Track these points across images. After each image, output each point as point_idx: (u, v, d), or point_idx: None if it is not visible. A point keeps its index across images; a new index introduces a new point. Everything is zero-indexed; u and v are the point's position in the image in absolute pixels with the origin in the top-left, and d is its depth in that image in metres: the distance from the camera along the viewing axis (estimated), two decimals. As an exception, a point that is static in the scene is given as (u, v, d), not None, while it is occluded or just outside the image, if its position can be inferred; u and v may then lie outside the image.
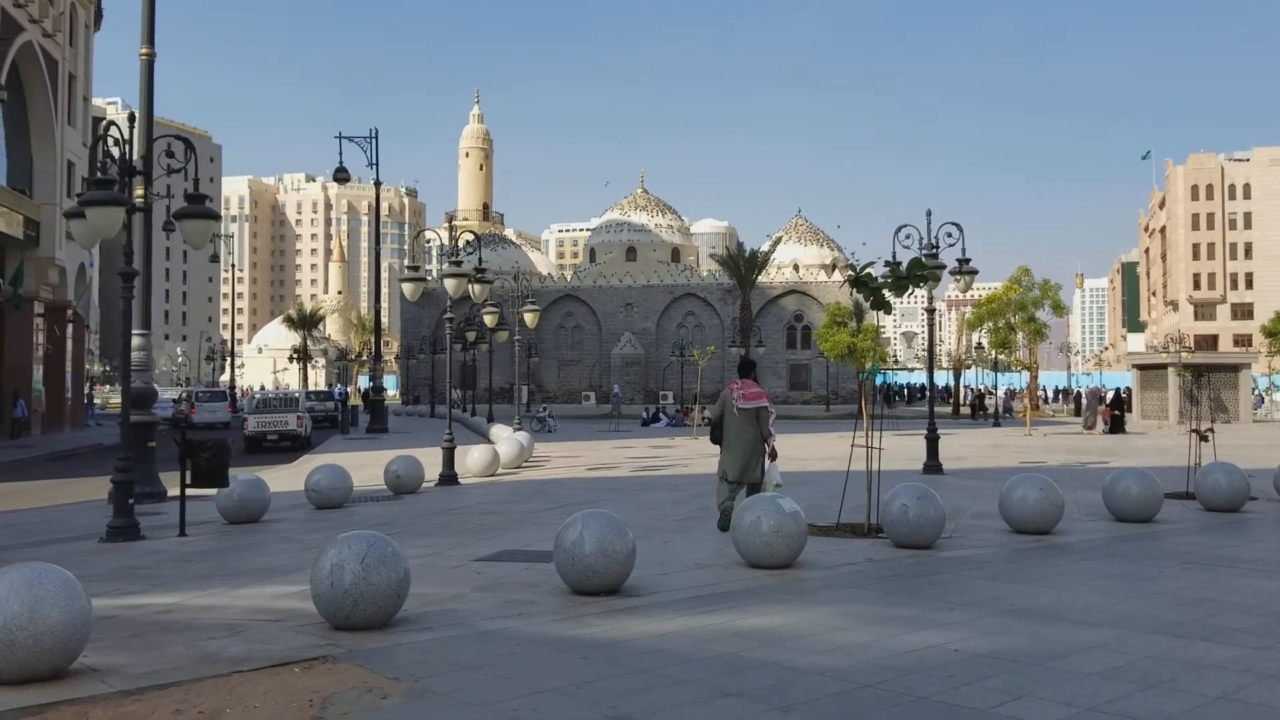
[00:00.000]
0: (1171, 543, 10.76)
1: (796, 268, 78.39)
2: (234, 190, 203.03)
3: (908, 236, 18.02)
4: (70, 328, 45.53)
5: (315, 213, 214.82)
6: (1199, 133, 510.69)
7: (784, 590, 8.17)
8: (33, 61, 38.93)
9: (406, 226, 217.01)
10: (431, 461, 19.67)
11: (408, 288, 18.32)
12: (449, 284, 17.85)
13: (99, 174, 10.95)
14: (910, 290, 11.56)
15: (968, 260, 19.59)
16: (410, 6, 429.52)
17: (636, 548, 8.19)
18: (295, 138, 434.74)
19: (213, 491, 13.02)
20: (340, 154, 40.90)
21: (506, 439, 22.53)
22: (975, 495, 15.47)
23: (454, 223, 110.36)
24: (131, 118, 16.51)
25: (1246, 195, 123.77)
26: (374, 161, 39.78)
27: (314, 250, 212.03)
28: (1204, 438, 15.07)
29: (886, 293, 11.48)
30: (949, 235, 19.06)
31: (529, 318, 28.09)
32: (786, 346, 78.05)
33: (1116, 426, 36.49)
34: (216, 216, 11.57)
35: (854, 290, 11.24)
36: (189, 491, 12.11)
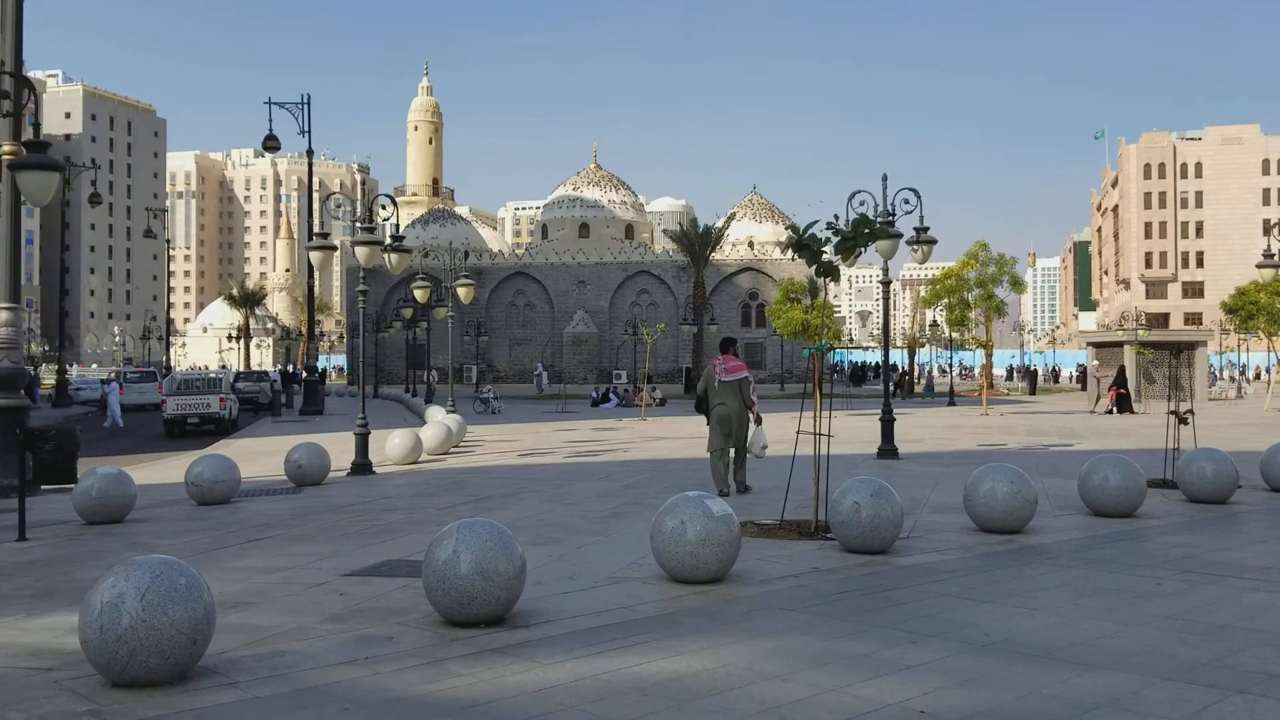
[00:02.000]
0: (1162, 544, 9.39)
1: (752, 245, 76.98)
2: (180, 166, 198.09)
3: (862, 203, 16.51)
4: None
5: (264, 189, 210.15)
6: (1152, 112, 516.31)
7: (709, 615, 6.65)
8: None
9: (358, 204, 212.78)
10: (351, 448, 18.01)
11: (315, 256, 16.60)
12: (360, 252, 16.15)
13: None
14: (859, 253, 10.07)
15: (926, 228, 18.18)
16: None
17: (532, 560, 6.62)
18: (245, 114, 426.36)
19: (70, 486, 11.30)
20: (270, 121, 38.48)
21: (432, 423, 20.86)
22: (934, 484, 14.08)
23: (399, 199, 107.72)
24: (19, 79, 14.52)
25: (1199, 174, 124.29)
26: (305, 129, 37.75)
27: (263, 228, 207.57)
28: (1183, 420, 13.77)
29: (834, 258, 10.01)
30: (906, 202, 17.62)
31: (463, 293, 26.39)
32: (741, 325, 76.65)
33: (1124, 406, 34.02)
34: (59, 167, 9.81)
35: (794, 254, 9.73)
36: (50, 486, 10.38)
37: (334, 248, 16.65)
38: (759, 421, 12.88)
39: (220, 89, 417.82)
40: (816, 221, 9.75)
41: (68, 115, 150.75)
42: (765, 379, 71.93)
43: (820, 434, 9.96)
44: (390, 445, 18.41)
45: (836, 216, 10.27)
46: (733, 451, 12.84)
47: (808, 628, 6.34)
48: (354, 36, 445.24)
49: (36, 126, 10.58)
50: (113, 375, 52.29)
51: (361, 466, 16.56)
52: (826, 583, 7.64)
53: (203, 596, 5.22)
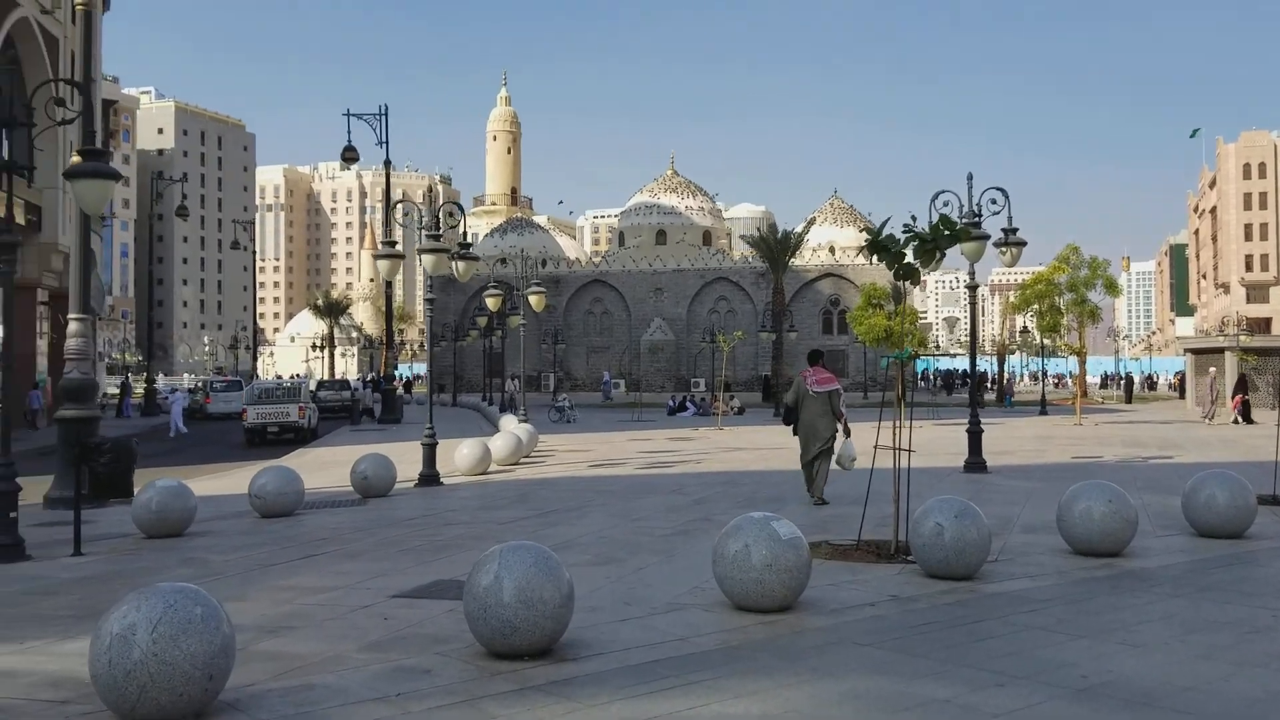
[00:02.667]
0: (1277, 570, 8.56)
1: (832, 250, 75.82)
2: (269, 179, 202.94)
3: (946, 204, 15.74)
4: (78, 316, 44.22)
5: (350, 200, 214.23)
6: (1251, 110, 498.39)
7: (774, 650, 6.10)
8: (30, 40, 37.45)
9: (439, 213, 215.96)
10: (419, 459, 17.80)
11: (383, 265, 16.36)
12: (426, 260, 15.88)
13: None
14: (940, 256, 9.41)
15: (1014, 230, 17.31)
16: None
17: (588, 583, 6.15)
18: (331, 128, 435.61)
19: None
20: (349, 132, 38.84)
21: (502, 434, 20.56)
22: (1025, 500, 13.28)
23: (478, 209, 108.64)
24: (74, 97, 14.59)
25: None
26: (383, 140, 37.99)
27: (349, 238, 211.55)
28: (1297, 433, 12.77)
29: (913, 259, 9.36)
30: (993, 202, 16.78)
31: (534, 300, 26.11)
32: (822, 331, 75.54)
33: (1247, 415, 32.46)
34: (115, 176, 9.64)
35: (872, 257, 9.12)
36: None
37: (401, 256, 16.42)
38: (848, 434, 12.91)
39: (307, 104, 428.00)
40: (888, 219, 9.12)
41: (160, 131, 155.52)
42: (848, 387, 70.60)
43: (900, 448, 9.32)
44: (459, 456, 18.13)
45: (914, 217, 9.62)
46: (815, 457, 13.06)
47: (883, 666, 5.75)
48: (435, 48, 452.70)
49: (93, 134, 10.46)
50: (201, 385, 53.31)
51: (428, 478, 16.29)
52: (906, 613, 7.02)
53: (220, 628, 4.84)
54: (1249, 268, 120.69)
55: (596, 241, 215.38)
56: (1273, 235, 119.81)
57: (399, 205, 17.72)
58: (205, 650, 4.71)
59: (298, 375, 59.26)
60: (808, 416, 12.94)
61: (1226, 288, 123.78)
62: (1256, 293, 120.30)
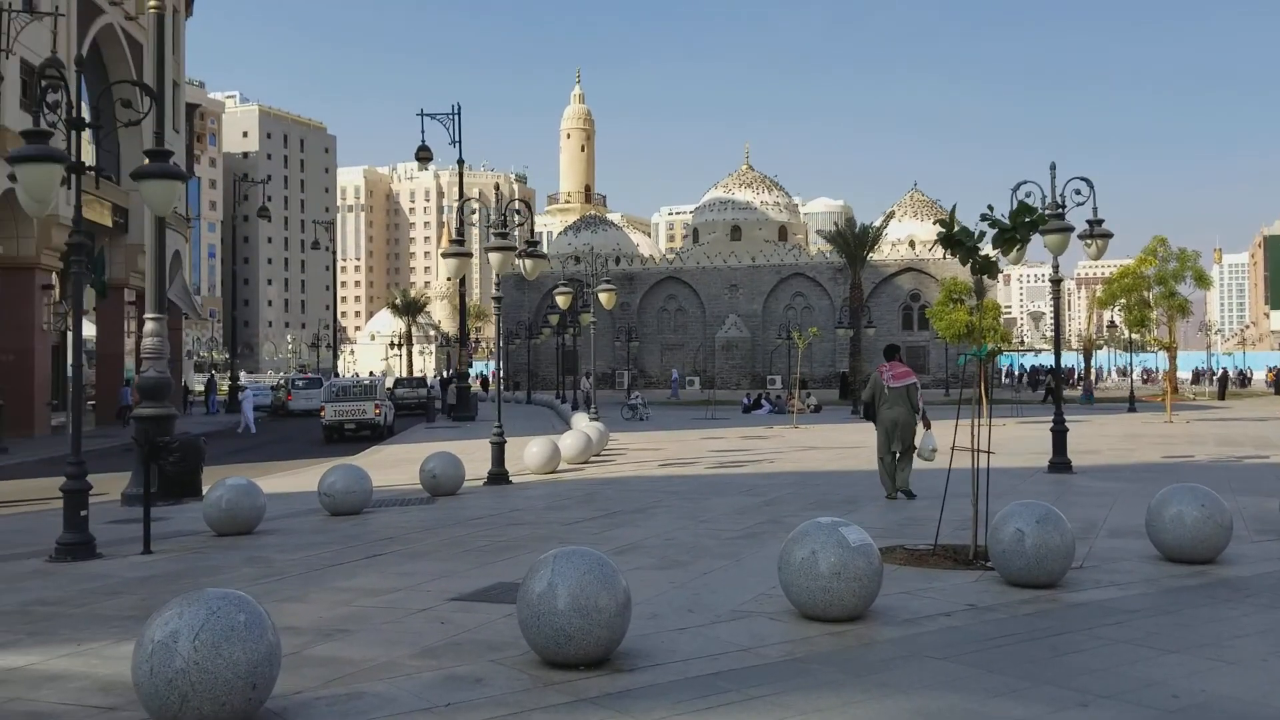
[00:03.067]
0: (1390, 581, 7.99)
1: (912, 244, 74.52)
2: (349, 180, 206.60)
3: (1028, 195, 15.20)
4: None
5: (428, 200, 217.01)
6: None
7: (841, 663, 5.80)
8: (115, 44, 38.48)
9: (516, 213, 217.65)
10: (505, 454, 17.75)
11: (450, 264, 16.30)
12: (493, 258, 15.81)
13: (36, 125, 9.13)
14: (1021, 247, 9.00)
15: (1100, 221, 16.64)
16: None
17: (650, 587, 5.93)
18: (410, 129, 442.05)
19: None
20: (422, 132, 39.29)
21: (572, 432, 20.45)
22: (1112, 502, 12.72)
23: (552, 207, 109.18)
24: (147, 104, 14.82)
25: None
26: (456, 139, 38.22)
27: (427, 238, 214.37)
28: None
29: (991, 252, 8.96)
30: (1077, 193, 16.15)
31: (605, 298, 25.95)
32: (902, 328, 74.30)
33: None
34: (180, 176, 9.69)
35: (945, 250, 8.75)
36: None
37: (468, 254, 16.37)
38: (928, 426, 12.81)
39: (386, 105, 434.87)
40: (955, 205, 8.74)
41: (245, 134, 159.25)
42: (929, 384, 69.36)
43: (979, 449, 8.93)
44: (528, 454, 18.05)
45: (991, 207, 9.22)
46: (898, 455, 13.15)
47: (957, 683, 5.42)
48: (510, 47, 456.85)
49: (159, 135, 10.53)
50: (282, 381, 54.34)
51: (497, 476, 16.22)
52: (983, 624, 6.66)
53: (265, 636, 4.71)
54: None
55: (671, 239, 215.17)
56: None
57: (466, 203, 17.70)
58: (249, 658, 4.58)
59: (374, 373, 60.15)
60: (886, 411, 13.11)
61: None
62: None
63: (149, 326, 14.88)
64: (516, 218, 16.63)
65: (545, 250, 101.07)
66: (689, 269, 78.47)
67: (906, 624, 6.65)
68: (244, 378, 74.32)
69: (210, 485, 11.97)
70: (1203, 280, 36.34)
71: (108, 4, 36.78)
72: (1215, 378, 63.48)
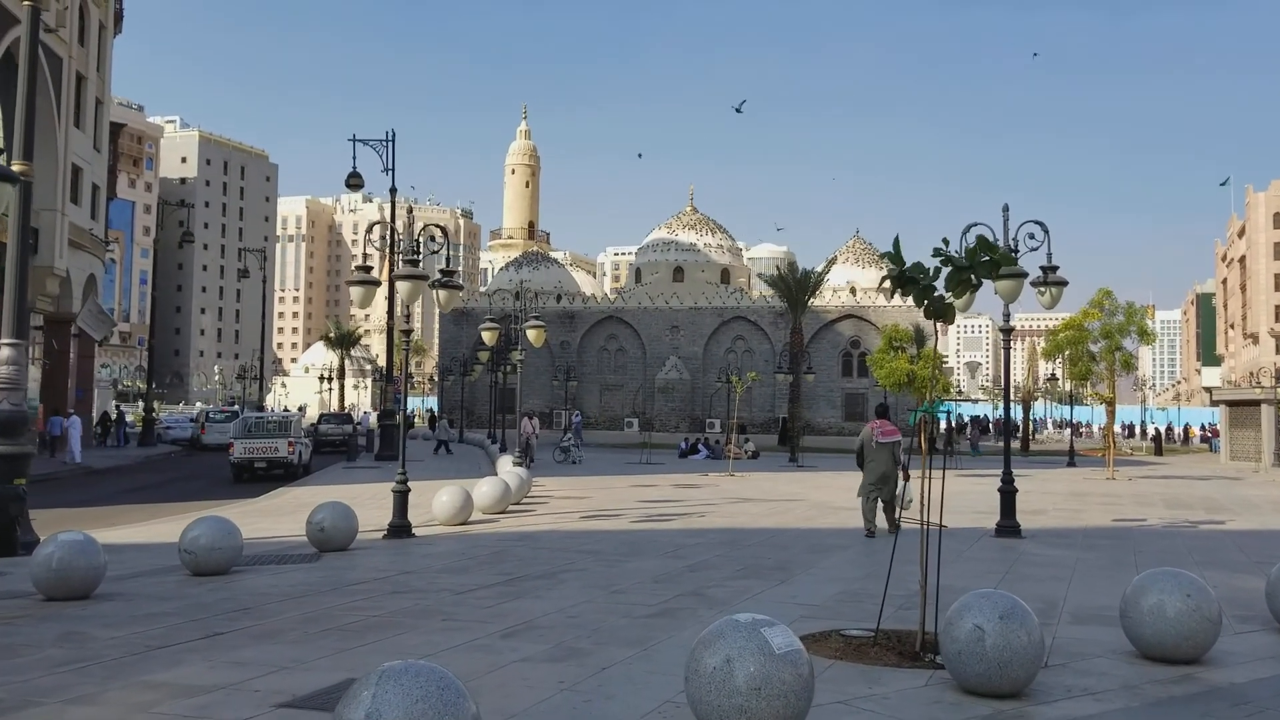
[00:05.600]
0: (1407, 692, 6.80)
1: (854, 290, 74.13)
2: (291, 210, 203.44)
3: (978, 239, 14.15)
4: (75, 342, 43.00)
5: (371, 233, 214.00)
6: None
7: (757, 822, 4.42)
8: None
9: (461, 248, 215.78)
10: (415, 502, 16.26)
11: (356, 293, 14.90)
12: (402, 288, 14.41)
13: None
14: (975, 288, 7.84)
15: (1055, 268, 15.65)
16: (468, 34, 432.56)
17: (534, 689, 4.50)
18: (356, 159, 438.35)
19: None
20: (354, 158, 37.66)
21: (487, 480, 18.93)
22: (1069, 576, 11.54)
23: (495, 242, 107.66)
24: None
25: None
26: (390, 166, 36.83)
27: (372, 269, 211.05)
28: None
29: (945, 294, 7.77)
30: (1031, 237, 15.07)
31: (533, 335, 24.51)
32: (842, 374, 73.74)
33: None
34: (10, 178, 8.14)
35: (895, 290, 7.55)
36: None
37: (376, 283, 14.92)
38: (907, 478, 13.25)
39: (332, 138, 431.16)
40: (897, 237, 7.57)
41: (184, 160, 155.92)
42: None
43: (930, 523, 7.68)
44: (437, 503, 16.52)
45: (946, 241, 8.05)
46: (881, 501, 14.94)
47: None
48: (459, 85, 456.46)
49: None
50: (200, 415, 51.95)
51: (399, 529, 14.67)
52: (937, 754, 5.32)
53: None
54: (1279, 318, 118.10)
55: (617, 278, 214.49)
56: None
57: (375, 227, 16.28)
58: None
59: (289, 409, 57.89)
60: (872, 463, 14.83)
61: (1255, 338, 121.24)
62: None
63: (4, 354, 13.20)
64: (432, 244, 15.22)
65: (486, 286, 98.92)
66: (631, 309, 77.33)
67: (843, 754, 5.29)
68: (184, 410, 71.36)
69: (44, 539, 10.32)
70: (1146, 336, 35.85)
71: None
72: (1150, 434, 63.60)
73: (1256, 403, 43.29)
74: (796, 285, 55.93)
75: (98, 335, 43.37)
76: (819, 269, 60.13)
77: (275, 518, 18.14)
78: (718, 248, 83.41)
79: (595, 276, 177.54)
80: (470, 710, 4.32)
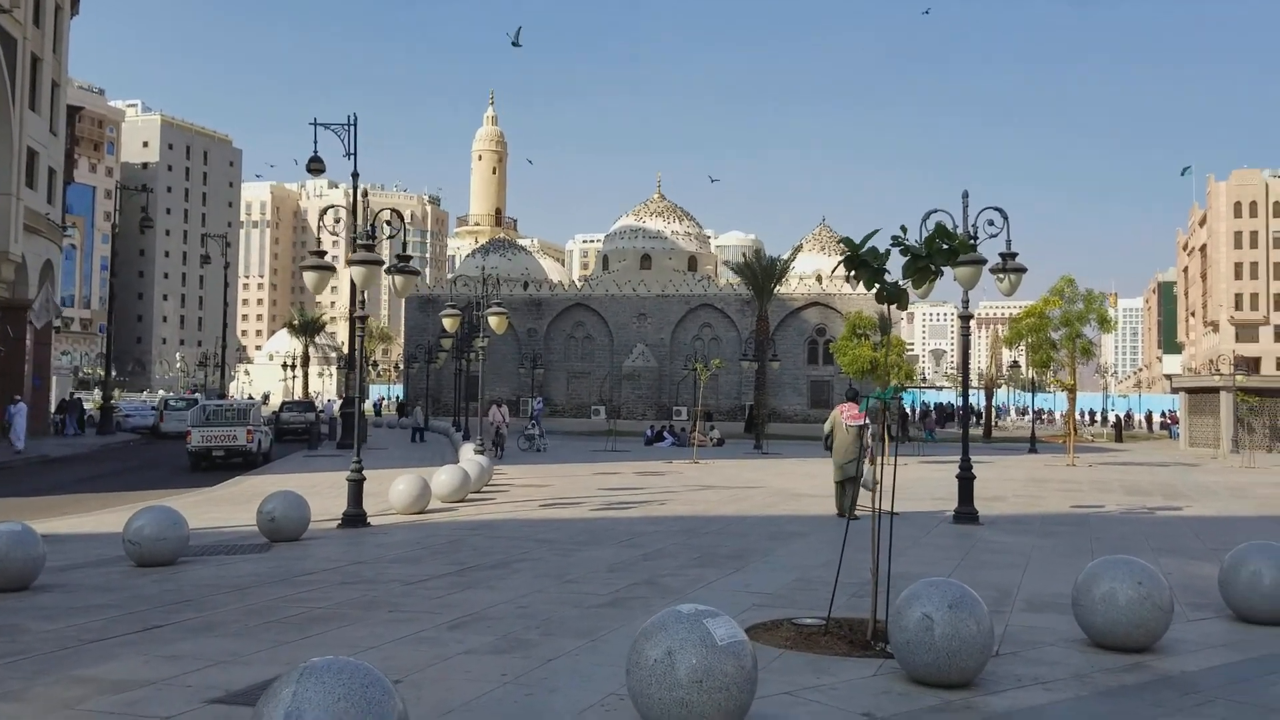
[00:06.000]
0: (1354, 678, 6.80)
1: (819, 278, 74.21)
2: (256, 196, 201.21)
3: (938, 225, 14.10)
4: (31, 329, 42.21)
5: (325, 218, 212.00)
6: (1243, 148, 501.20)
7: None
8: (-18, 38, 35.71)
9: (429, 234, 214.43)
10: (374, 490, 16.09)
11: (310, 278, 14.62)
12: (356, 273, 14.15)
13: None
14: (935, 277, 7.78)
15: (1014, 255, 15.63)
16: (437, 23, 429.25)
17: (480, 681, 4.36)
18: (321, 145, 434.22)
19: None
20: (315, 142, 36.88)
21: (447, 468, 18.71)
22: (1025, 563, 11.54)
23: (462, 229, 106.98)
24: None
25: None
26: (351, 151, 36.25)
27: (335, 256, 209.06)
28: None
29: (903, 283, 7.70)
30: (990, 224, 15.06)
31: (495, 322, 24.31)
32: (807, 361, 73.89)
33: None
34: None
35: (849, 274, 7.47)
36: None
37: (330, 268, 14.67)
38: (872, 462, 13.17)
39: (299, 124, 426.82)
40: (875, 231, 7.46)
41: (145, 144, 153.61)
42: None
43: (880, 510, 7.61)
44: (394, 492, 16.30)
45: (905, 228, 7.97)
46: (846, 482, 15.14)
47: None
48: (428, 71, 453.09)
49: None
50: (161, 402, 51.25)
51: (353, 518, 14.45)
52: (882, 747, 5.24)
53: None
54: (1239, 306, 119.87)
55: (585, 266, 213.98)
56: (1263, 274, 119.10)
57: (331, 210, 16.00)
58: None
59: (253, 396, 57.25)
60: (840, 445, 15.20)
61: (1215, 326, 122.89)
62: (1246, 332, 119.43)
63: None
64: (389, 229, 14.97)
65: (454, 272, 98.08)
66: (598, 296, 77.07)
67: (787, 747, 5.19)
68: (123, 397, 70.40)
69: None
70: (1106, 323, 36.07)
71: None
72: (1111, 420, 64.25)
73: (1215, 390, 43.83)
74: (763, 273, 56.01)
75: (40, 323, 42.48)
76: (785, 257, 60.25)
77: (230, 507, 17.85)
78: (685, 235, 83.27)
79: (563, 264, 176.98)
80: (397, 708, 4.17)
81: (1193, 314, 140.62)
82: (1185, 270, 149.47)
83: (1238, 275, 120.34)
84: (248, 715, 5.51)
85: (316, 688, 4.05)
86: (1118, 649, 7.29)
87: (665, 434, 43.74)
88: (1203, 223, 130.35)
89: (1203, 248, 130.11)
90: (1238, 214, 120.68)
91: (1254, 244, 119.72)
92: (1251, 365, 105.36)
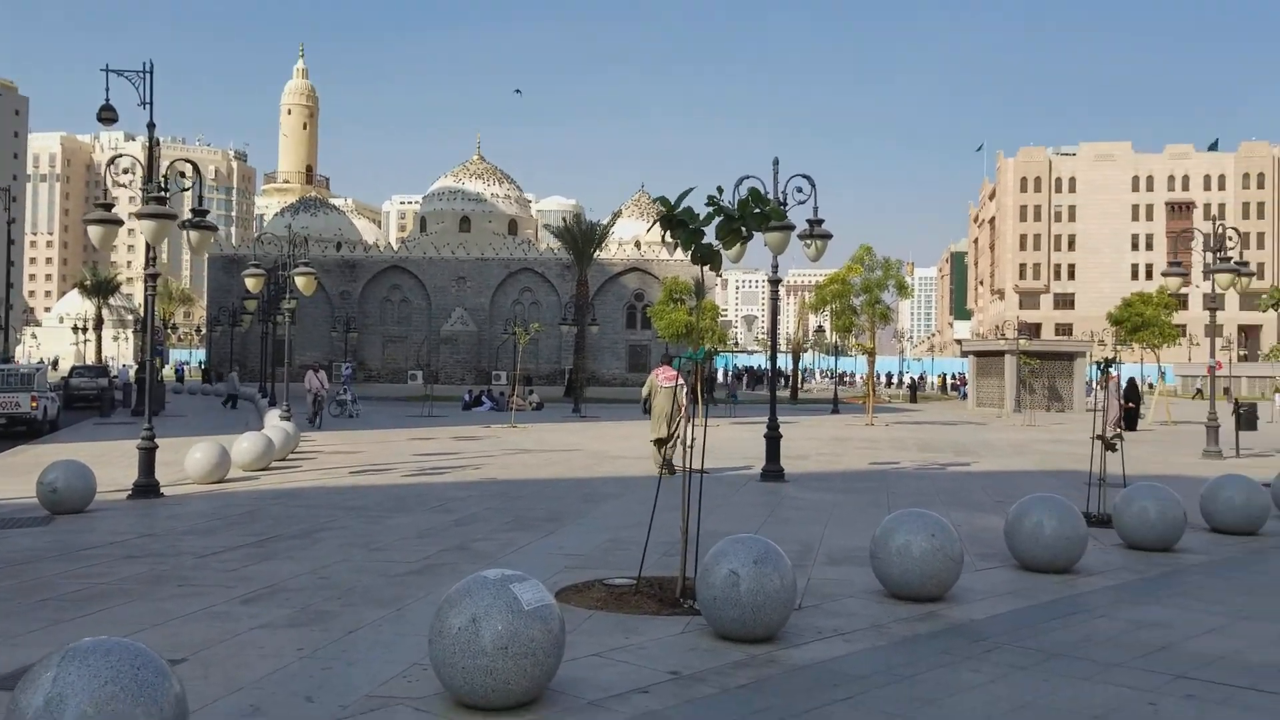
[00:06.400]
0: (1124, 622, 7.29)
1: (638, 244, 74.86)
2: (43, 147, 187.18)
3: (750, 191, 14.33)
4: None
5: (136, 174, 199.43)
6: (1032, 126, 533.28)
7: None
8: None
9: (234, 191, 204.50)
10: (171, 459, 15.18)
11: (95, 233, 13.57)
12: (144, 227, 13.26)
13: None
14: (746, 239, 7.87)
15: (820, 221, 16.06)
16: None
17: (275, 655, 4.09)
18: (117, 95, 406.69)
19: None
20: (107, 90, 34.31)
21: (248, 435, 17.88)
22: (827, 519, 11.94)
23: (270, 186, 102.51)
24: None
25: (1072, 189, 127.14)
26: (147, 100, 33.94)
27: (132, 215, 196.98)
28: (1110, 447, 11.91)
29: (716, 242, 7.73)
30: (799, 190, 15.46)
31: (302, 283, 23.33)
32: (626, 326, 74.56)
33: (1131, 423, 28.65)
34: None
35: (666, 234, 7.45)
36: None
37: (117, 221, 13.68)
38: (689, 420, 12.64)
39: (91, 70, 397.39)
40: (693, 189, 7.45)
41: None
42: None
43: (694, 470, 7.67)
44: (190, 460, 15.43)
45: (720, 189, 7.99)
46: (665, 438, 15.76)
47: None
48: (239, 20, 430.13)
49: None
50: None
51: (145, 488, 13.60)
52: (685, 705, 5.26)
53: None
54: (1022, 276, 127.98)
55: (403, 228, 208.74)
56: (1045, 246, 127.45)
57: (119, 160, 14.91)
58: None
59: (43, 360, 53.46)
60: (657, 405, 16.29)
61: (1002, 294, 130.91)
62: (1029, 299, 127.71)
63: None
64: (182, 181, 14.07)
65: (260, 231, 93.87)
66: (415, 259, 75.34)
67: (590, 709, 5.15)
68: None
69: None
70: (903, 289, 37.79)
71: None
72: (910, 384, 67.65)
73: (1000, 353, 46.73)
74: (582, 237, 55.98)
75: None
76: (604, 222, 60.46)
77: (9, 478, 16.51)
78: (505, 198, 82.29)
79: (380, 225, 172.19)
80: (172, 690, 3.89)
81: (981, 283, 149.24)
82: (975, 241, 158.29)
83: (1022, 246, 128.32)
84: (6, 701, 5.08)
85: (80, 671, 3.72)
86: (912, 599, 7.60)
87: (484, 398, 43.26)
88: (992, 196, 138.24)
89: (992, 220, 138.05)
90: (1023, 189, 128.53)
91: (1038, 217, 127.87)
92: (1033, 331, 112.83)
